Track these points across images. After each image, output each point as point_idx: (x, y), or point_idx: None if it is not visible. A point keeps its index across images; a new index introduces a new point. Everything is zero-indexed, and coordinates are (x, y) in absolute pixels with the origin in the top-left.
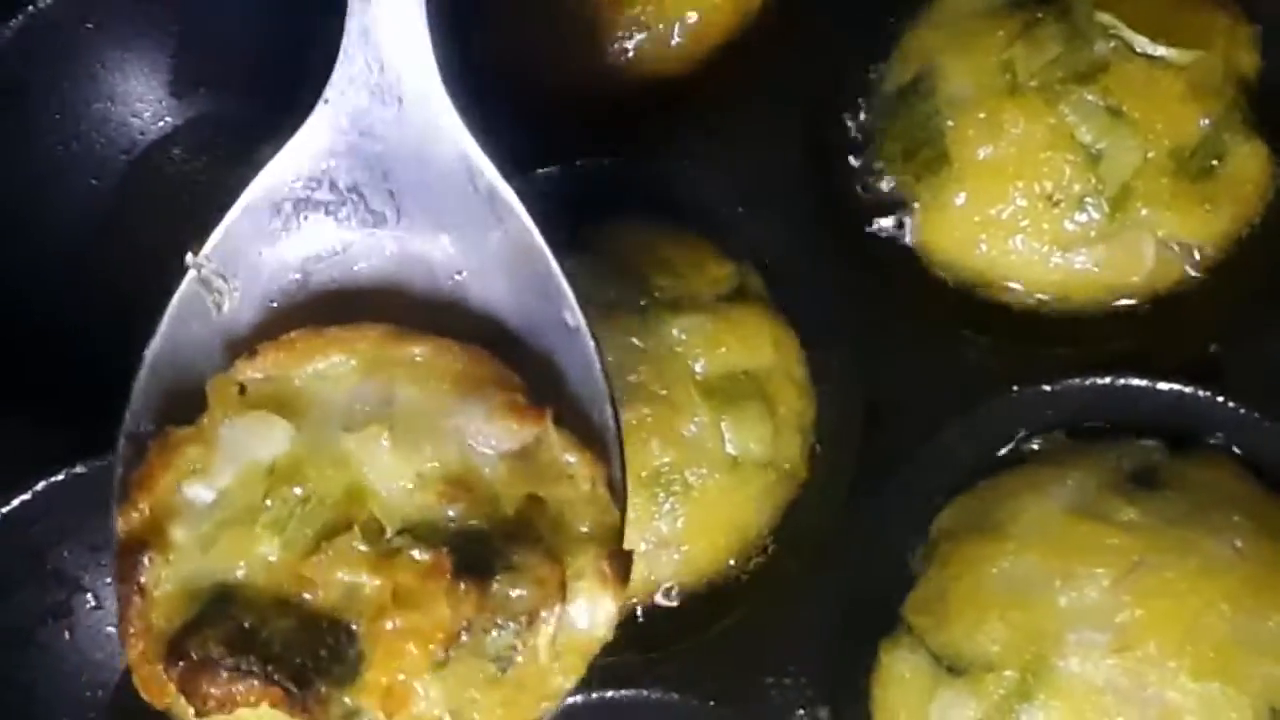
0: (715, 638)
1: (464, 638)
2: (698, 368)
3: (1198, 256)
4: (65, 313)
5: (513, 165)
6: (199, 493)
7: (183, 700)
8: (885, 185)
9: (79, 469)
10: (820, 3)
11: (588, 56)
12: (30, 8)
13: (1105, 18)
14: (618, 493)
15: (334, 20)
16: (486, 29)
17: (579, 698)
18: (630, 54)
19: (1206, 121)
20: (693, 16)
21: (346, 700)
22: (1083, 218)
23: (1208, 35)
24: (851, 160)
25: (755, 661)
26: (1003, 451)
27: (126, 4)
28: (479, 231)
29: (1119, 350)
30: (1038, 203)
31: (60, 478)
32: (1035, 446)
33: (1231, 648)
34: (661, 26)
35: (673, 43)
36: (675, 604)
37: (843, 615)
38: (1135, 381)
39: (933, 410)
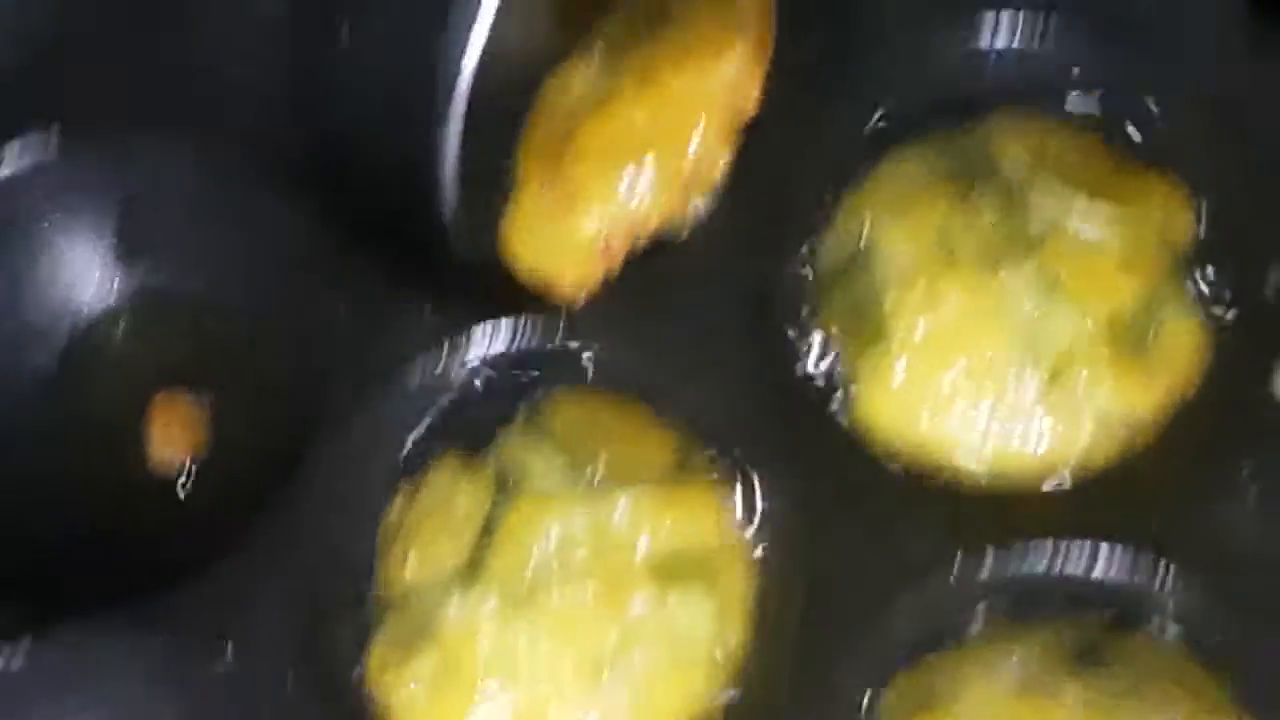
0: None
1: None
2: (641, 546)
3: (1135, 427)
4: (2, 493)
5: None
6: None
7: None
8: (825, 359)
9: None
10: (759, 176)
11: None
12: None
13: (1041, 189)
14: None
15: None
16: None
17: None
18: None
19: (1142, 292)
20: None
21: None
22: (1021, 390)
23: (1144, 202)
24: (791, 334)
25: None
26: (945, 629)
27: (68, 172)
28: None
29: (1059, 524)
30: (976, 375)
31: None
32: (978, 624)
33: None
34: None
35: None
36: None
37: None
38: (1076, 555)
39: (875, 587)
